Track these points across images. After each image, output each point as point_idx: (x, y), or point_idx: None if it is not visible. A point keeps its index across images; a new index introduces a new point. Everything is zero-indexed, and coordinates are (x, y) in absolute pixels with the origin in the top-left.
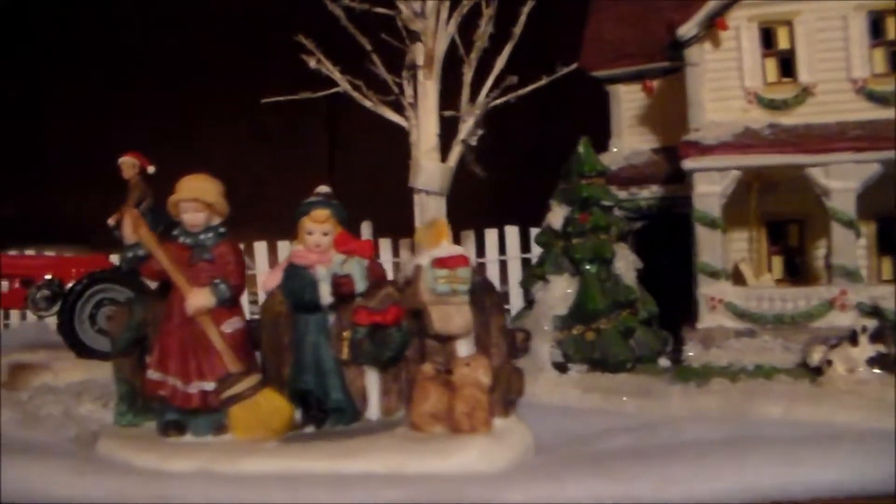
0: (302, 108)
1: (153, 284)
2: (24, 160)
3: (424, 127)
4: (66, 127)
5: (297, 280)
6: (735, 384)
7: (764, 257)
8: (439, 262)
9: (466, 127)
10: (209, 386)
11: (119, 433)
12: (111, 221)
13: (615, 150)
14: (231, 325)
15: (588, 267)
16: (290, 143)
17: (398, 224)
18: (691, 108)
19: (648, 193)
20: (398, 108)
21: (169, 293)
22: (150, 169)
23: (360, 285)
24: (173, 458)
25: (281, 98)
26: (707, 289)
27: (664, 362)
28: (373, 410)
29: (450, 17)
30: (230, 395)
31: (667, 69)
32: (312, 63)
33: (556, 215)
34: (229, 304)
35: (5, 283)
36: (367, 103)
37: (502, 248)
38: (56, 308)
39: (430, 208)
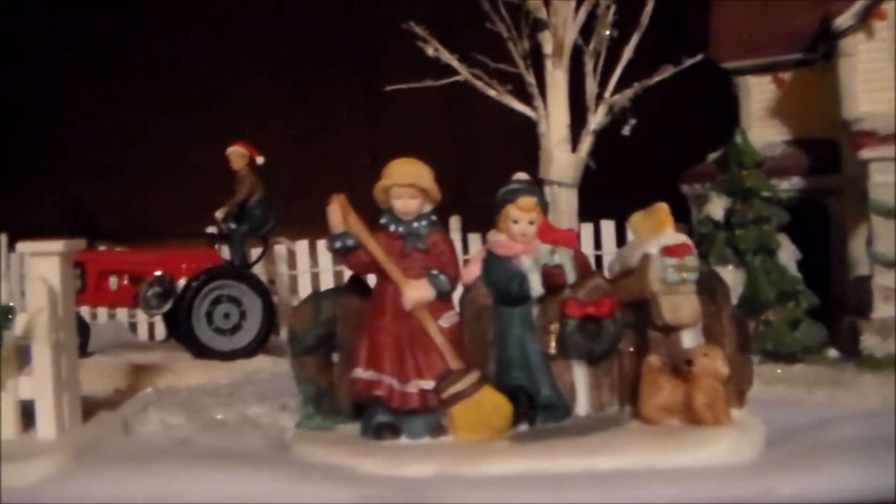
0: (341, 102)
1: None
2: (62, 156)
3: (554, 117)
4: (104, 122)
5: (501, 271)
6: None
7: None
8: (668, 251)
9: (597, 117)
10: (428, 384)
11: (315, 437)
12: (219, 214)
13: None
14: (448, 320)
15: (754, 258)
16: (330, 137)
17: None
18: (845, 99)
19: (788, 185)
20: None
21: (376, 286)
22: (260, 159)
23: (571, 276)
24: (403, 462)
25: (403, 86)
26: (882, 279)
27: (833, 353)
28: (581, 406)
29: (578, 6)
30: (452, 394)
31: (799, 61)
32: (430, 51)
33: (716, 206)
34: (446, 297)
35: (114, 280)
36: (492, 93)
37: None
38: (167, 306)
39: (561, 200)
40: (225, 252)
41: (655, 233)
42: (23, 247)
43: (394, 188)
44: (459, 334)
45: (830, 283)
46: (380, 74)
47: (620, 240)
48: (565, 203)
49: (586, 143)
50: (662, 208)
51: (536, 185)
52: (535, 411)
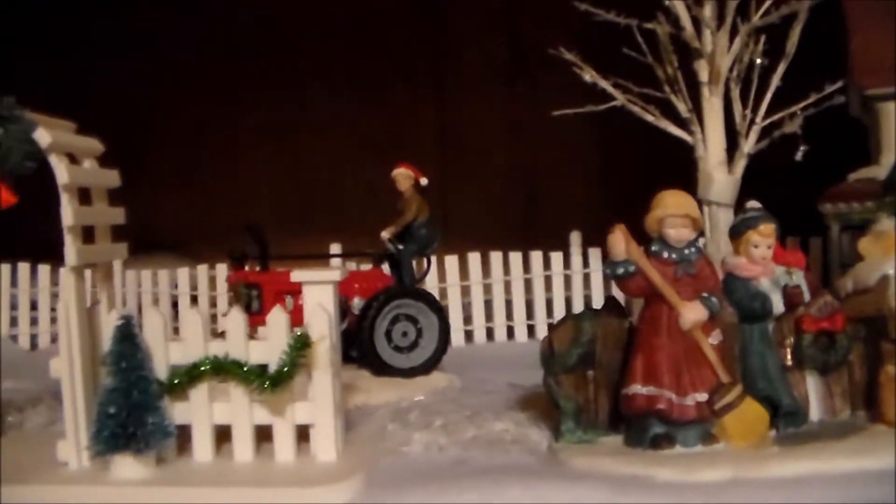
0: (410, 109)
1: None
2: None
3: (712, 141)
4: (170, 130)
5: (744, 292)
6: None
7: None
8: None
9: (749, 141)
10: (703, 397)
11: (585, 450)
12: (385, 234)
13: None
14: (716, 337)
15: None
16: (398, 144)
17: (515, 230)
18: None
19: None
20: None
21: (650, 309)
22: (423, 181)
23: (807, 295)
24: (697, 468)
25: (569, 111)
26: None
27: None
28: (814, 412)
29: (732, 35)
30: (724, 405)
31: None
32: (587, 77)
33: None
34: (714, 317)
35: (289, 301)
36: (649, 118)
37: None
38: (343, 325)
39: (720, 219)
40: (386, 270)
41: (887, 255)
42: (298, 275)
43: (668, 218)
44: (724, 350)
45: None
46: (448, 82)
47: None
48: (724, 222)
49: (740, 165)
50: (891, 233)
51: None
52: (779, 418)
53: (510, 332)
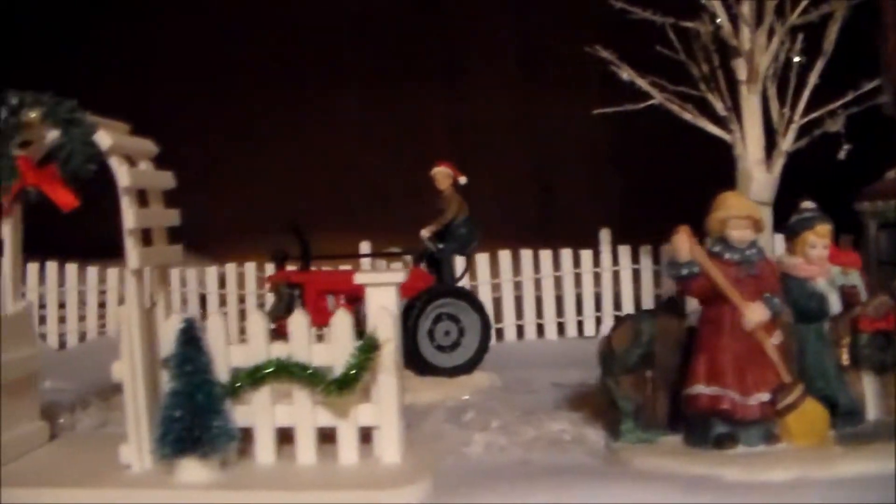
0: (423, 108)
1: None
2: None
3: (751, 140)
4: (177, 134)
5: (800, 292)
6: None
7: None
8: None
9: (787, 139)
10: (765, 397)
11: (646, 450)
12: (425, 233)
13: None
14: (777, 337)
15: None
16: (412, 143)
17: (530, 227)
18: None
19: None
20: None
21: (712, 309)
22: (462, 179)
23: (864, 294)
24: (763, 468)
25: (608, 110)
26: None
27: None
28: (871, 412)
29: (770, 34)
30: (786, 404)
31: None
32: (624, 76)
33: None
34: (775, 317)
35: (331, 301)
36: (687, 116)
37: None
38: None
39: None
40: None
41: None
42: (362, 277)
43: (731, 220)
44: (785, 350)
45: None
46: (461, 80)
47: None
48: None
49: (778, 163)
50: None
51: None
52: (836, 418)
53: (540, 329)
